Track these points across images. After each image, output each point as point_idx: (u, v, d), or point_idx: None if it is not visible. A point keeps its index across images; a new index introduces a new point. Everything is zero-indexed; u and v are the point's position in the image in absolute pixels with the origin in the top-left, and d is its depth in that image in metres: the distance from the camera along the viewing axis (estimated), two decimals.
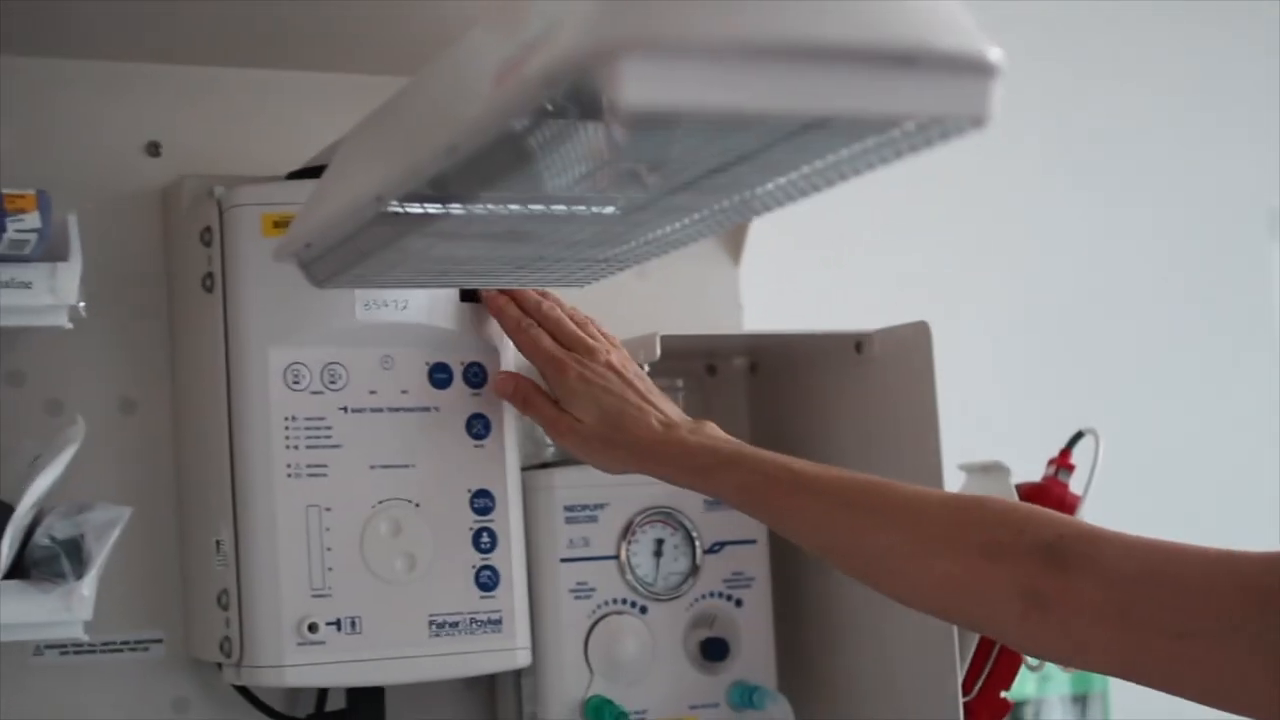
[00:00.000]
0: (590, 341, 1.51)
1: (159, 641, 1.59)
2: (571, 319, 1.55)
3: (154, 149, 1.62)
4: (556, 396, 1.51)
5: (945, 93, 0.93)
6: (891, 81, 0.92)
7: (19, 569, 1.38)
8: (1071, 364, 2.29)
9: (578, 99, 0.93)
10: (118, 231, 1.59)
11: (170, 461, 1.61)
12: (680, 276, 1.82)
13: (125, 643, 1.57)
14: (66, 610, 1.38)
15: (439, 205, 1.10)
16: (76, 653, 1.56)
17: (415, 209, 1.12)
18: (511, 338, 1.54)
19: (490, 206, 1.11)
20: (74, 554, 1.37)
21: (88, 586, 1.36)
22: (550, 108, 0.95)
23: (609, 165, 1.03)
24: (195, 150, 1.63)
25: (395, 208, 1.13)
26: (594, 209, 1.18)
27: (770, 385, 1.82)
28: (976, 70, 0.93)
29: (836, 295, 1.96)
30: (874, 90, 0.92)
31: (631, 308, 1.70)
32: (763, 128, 0.96)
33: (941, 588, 1.32)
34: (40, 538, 1.37)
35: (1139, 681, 1.26)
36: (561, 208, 1.16)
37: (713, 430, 1.48)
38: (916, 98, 0.93)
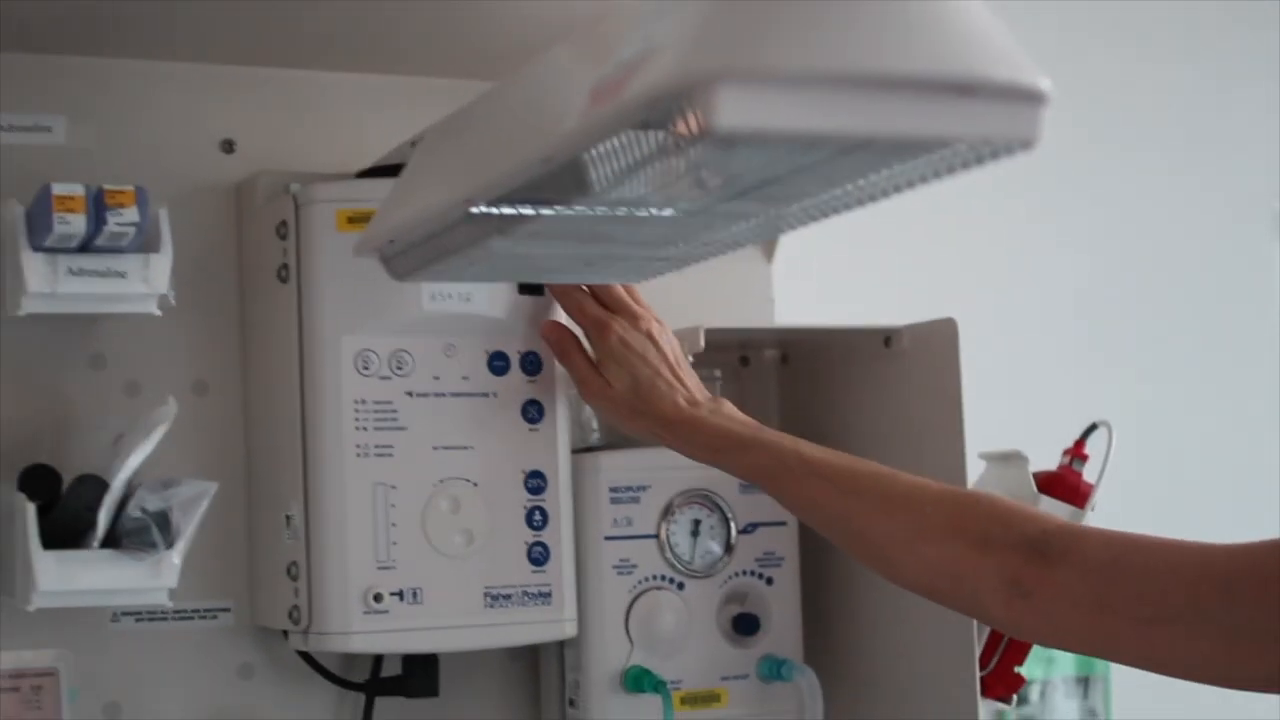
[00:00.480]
0: (635, 307, 1.61)
1: (227, 610, 1.69)
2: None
3: (228, 146, 1.72)
4: (596, 357, 1.60)
5: (1000, 118, 1.04)
6: (952, 107, 1.02)
7: (110, 539, 1.48)
8: (1088, 358, 2.39)
9: (669, 117, 1.03)
10: (192, 223, 1.67)
11: (240, 441, 1.70)
12: (716, 272, 1.88)
13: (196, 611, 1.67)
14: (154, 578, 1.48)
15: (530, 208, 1.20)
16: (151, 619, 1.65)
17: (506, 211, 1.21)
18: (559, 299, 1.63)
19: (573, 210, 1.20)
20: (163, 526, 1.47)
21: (178, 555, 1.46)
22: (644, 125, 1.05)
23: (686, 175, 1.13)
24: (266, 147, 1.72)
25: (484, 210, 1.22)
26: (656, 212, 1.28)
27: (801, 376, 1.92)
28: (1028, 98, 1.03)
29: (866, 290, 2.06)
30: (937, 115, 1.02)
31: (669, 300, 1.78)
32: (830, 145, 1.06)
33: (934, 572, 1.43)
34: (133, 510, 1.46)
35: (1115, 661, 1.38)
36: (628, 210, 1.25)
37: (730, 411, 1.58)
38: (974, 122, 1.03)
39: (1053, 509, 1.76)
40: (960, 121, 1.03)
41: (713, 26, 0.99)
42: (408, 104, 1.73)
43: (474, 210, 1.24)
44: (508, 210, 1.22)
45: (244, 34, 1.65)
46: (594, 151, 1.11)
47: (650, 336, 1.59)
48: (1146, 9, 2.50)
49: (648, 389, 1.56)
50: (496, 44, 1.68)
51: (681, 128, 1.01)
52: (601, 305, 1.60)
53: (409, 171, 1.43)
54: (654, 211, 1.27)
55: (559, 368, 1.66)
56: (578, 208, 1.21)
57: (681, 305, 1.73)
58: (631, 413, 1.57)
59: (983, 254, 2.26)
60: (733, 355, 1.93)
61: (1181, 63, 2.55)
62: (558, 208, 1.21)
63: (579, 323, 1.61)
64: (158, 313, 1.51)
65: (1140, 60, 2.51)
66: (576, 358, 1.61)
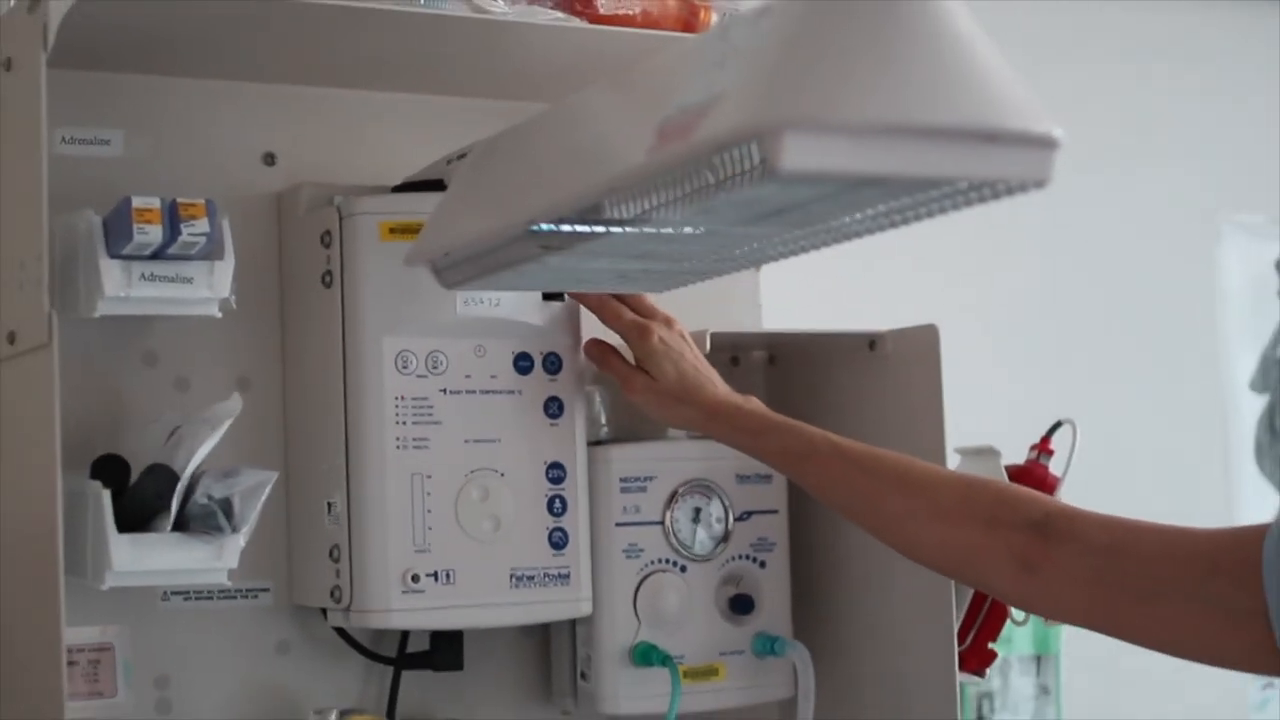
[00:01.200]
0: (664, 313, 1.78)
1: (267, 590, 1.82)
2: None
3: (270, 159, 1.85)
4: (638, 357, 1.77)
5: (1019, 161, 1.19)
6: (980, 151, 1.18)
7: (177, 524, 1.61)
8: (1052, 360, 2.56)
9: (735, 157, 1.17)
10: (236, 231, 1.78)
11: (279, 433, 1.83)
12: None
13: (238, 591, 1.79)
14: (217, 559, 1.61)
15: (590, 228, 1.35)
16: (197, 599, 1.78)
17: (567, 230, 1.36)
18: (595, 311, 1.79)
19: (625, 230, 1.35)
20: (228, 511, 1.60)
21: (244, 538, 1.59)
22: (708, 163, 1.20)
23: (734, 205, 1.28)
24: (305, 160, 1.85)
25: (547, 229, 1.37)
26: (692, 230, 1.42)
27: (788, 377, 2.07)
28: (1044, 144, 1.19)
29: (850, 294, 2.21)
30: (966, 157, 1.18)
31: (662, 303, 1.91)
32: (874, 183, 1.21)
33: (948, 550, 1.61)
34: (199, 496, 1.60)
35: (1115, 636, 1.56)
36: (671, 230, 1.40)
37: (758, 403, 1.75)
38: (997, 164, 1.19)
39: None
40: (986, 164, 1.19)
41: (778, 79, 1.14)
42: (438, 122, 1.87)
43: (535, 229, 1.38)
44: (569, 229, 1.36)
45: (286, 55, 1.78)
46: (658, 181, 1.25)
47: (683, 337, 1.75)
48: (1098, 24, 2.67)
49: (692, 381, 1.73)
50: (527, 68, 1.81)
51: (747, 167, 1.16)
52: (634, 312, 1.76)
53: (459, 187, 1.57)
54: (689, 230, 1.41)
55: (576, 367, 1.80)
56: (630, 228, 1.35)
57: (673, 308, 1.85)
58: (675, 402, 1.74)
59: (958, 263, 2.42)
60: (724, 356, 2.07)
61: (1133, 78, 2.72)
62: (613, 228, 1.35)
63: (617, 328, 1.76)
64: (219, 315, 1.63)
65: (1095, 76, 2.67)
66: (615, 361, 1.78)
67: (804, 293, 2.18)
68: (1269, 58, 2.92)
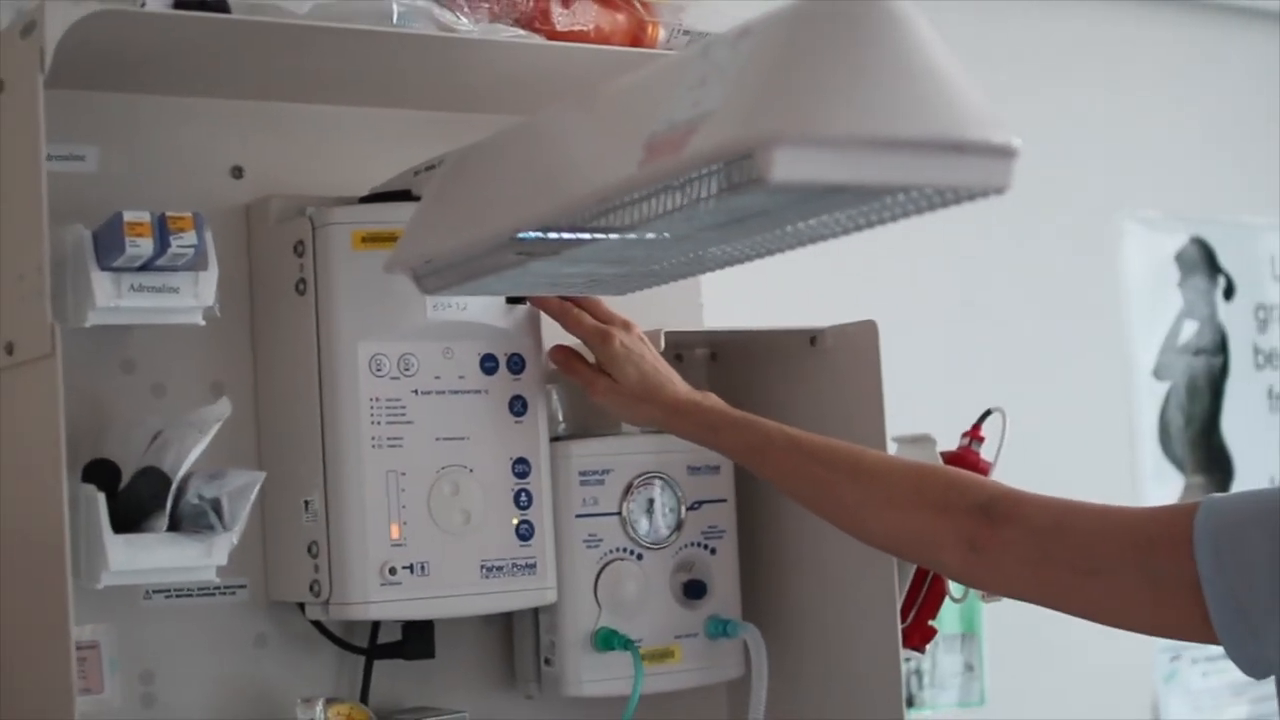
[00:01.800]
0: (621, 317, 1.87)
1: (244, 587, 1.89)
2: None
3: (238, 172, 1.92)
4: (602, 361, 1.87)
5: (982, 168, 1.30)
6: (948, 160, 1.28)
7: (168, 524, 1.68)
8: (982, 351, 2.69)
9: (726, 170, 1.27)
10: None
11: (252, 435, 1.90)
12: None
13: (217, 588, 1.86)
14: (207, 556, 1.68)
15: (577, 235, 1.44)
16: (179, 596, 1.85)
17: (553, 238, 1.45)
18: (557, 318, 1.88)
19: (609, 237, 1.44)
20: (218, 511, 1.67)
21: (236, 535, 1.67)
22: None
23: (716, 212, 1.37)
24: (272, 173, 1.92)
25: (533, 237, 1.46)
26: (662, 235, 1.51)
27: (731, 373, 2.17)
28: (1005, 154, 1.30)
29: (787, 291, 2.31)
30: (936, 166, 1.28)
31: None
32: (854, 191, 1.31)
33: (901, 534, 1.72)
34: (191, 497, 1.67)
35: (1058, 609, 1.68)
36: (651, 236, 1.49)
37: (716, 399, 1.86)
38: (963, 172, 1.29)
39: None
40: (953, 172, 1.29)
41: (766, 96, 1.24)
42: (401, 135, 1.95)
43: (521, 236, 1.47)
44: (556, 237, 1.45)
45: (254, 72, 1.85)
46: (646, 192, 1.35)
47: (641, 339, 1.84)
48: (999, 28, 2.79)
49: (654, 381, 1.83)
50: (489, 82, 1.90)
51: (736, 178, 1.26)
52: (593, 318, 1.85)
53: (435, 197, 1.66)
54: (667, 235, 1.50)
55: (539, 367, 1.89)
56: (614, 235, 1.45)
57: (617, 308, 1.93)
58: (638, 401, 1.84)
59: (890, 262, 2.53)
60: (668, 354, 2.15)
61: (1037, 82, 2.84)
62: (599, 235, 1.45)
63: (579, 334, 1.86)
64: (203, 323, 1.70)
65: (1000, 83, 2.78)
66: (580, 366, 1.87)
67: (743, 291, 2.27)
68: (1166, 59, 3.06)
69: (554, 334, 1.92)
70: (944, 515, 1.69)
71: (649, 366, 1.85)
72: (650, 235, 1.45)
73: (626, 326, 1.87)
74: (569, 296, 1.86)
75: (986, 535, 1.66)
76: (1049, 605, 1.69)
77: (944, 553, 1.70)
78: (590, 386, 1.88)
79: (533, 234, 1.47)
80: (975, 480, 1.74)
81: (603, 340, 1.85)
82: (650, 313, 2.02)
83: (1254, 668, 1.52)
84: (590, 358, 1.90)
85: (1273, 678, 1.51)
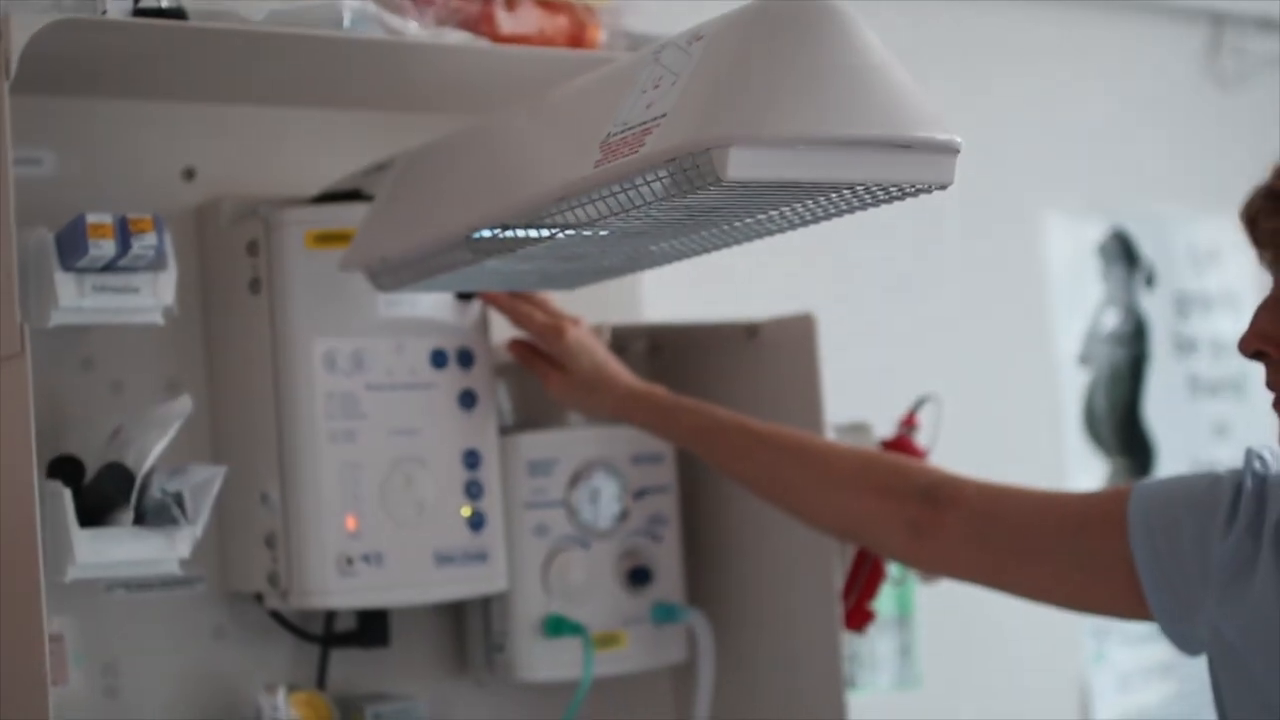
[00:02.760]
0: (570, 315, 1.92)
1: (201, 580, 1.93)
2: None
3: (189, 174, 1.96)
4: (556, 354, 1.92)
5: (927, 165, 1.36)
6: (895, 159, 1.35)
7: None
8: (914, 341, 2.76)
9: (679, 169, 1.33)
10: None
11: (206, 431, 1.94)
12: None
13: (176, 580, 1.90)
14: (171, 549, 1.71)
15: (535, 233, 1.49)
16: (140, 589, 1.89)
17: (508, 236, 1.50)
18: (508, 314, 1.93)
19: (568, 234, 1.50)
20: (180, 505, 1.71)
21: (200, 529, 1.71)
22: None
23: (675, 210, 1.43)
24: (223, 175, 1.96)
25: (491, 235, 1.51)
26: (618, 233, 1.57)
27: (671, 366, 2.22)
28: (949, 152, 1.36)
29: (729, 282, 2.36)
30: (884, 164, 1.35)
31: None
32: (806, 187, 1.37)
33: (846, 516, 1.80)
34: (155, 491, 1.70)
35: (997, 589, 1.75)
36: (604, 233, 1.54)
37: (664, 389, 1.93)
38: (909, 169, 1.36)
39: None
40: (899, 169, 1.36)
41: (719, 99, 1.30)
42: (350, 136, 2.00)
43: (477, 235, 1.52)
44: (511, 235, 1.50)
45: (205, 76, 1.88)
46: (603, 191, 1.40)
47: (589, 333, 1.89)
48: (926, 26, 2.85)
49: (605, 372, 1.89)
50: (436, 84, 1.94)
51: (691, 178, 1.31)
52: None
53: (390, 197, 1.70)
54: (618, 233, 1.55)
55: (487, 361, 1.94)
56: (569, 233, 1.50)
57: (560, 301, 1.99)
58: (590, 391, 1.90)
59: (827, 254, 2.59)
60: (610, 344, 2.22)
61: (961, 77, 2.91)
62: (553, 232, 1.50)
63: (532, 329, 1.91)
64: (162, 322, 1.74)
65: (928, 78, 2.85)
66: (537, 361, 1.93)
67: (682, 284, 2.33)
68: (1088, 53, 3.14)
69: (502, 328, 1.97)
70: (888, 499, 1.77)
71: (600, 358, 1.91)
72: (604, 233, 1.51)
73: (575, 322, 1.92)
74: (518, 293, 1.91)
75: (928, 518, 1.74)
76: (989, 586, 1.77)
77: (888, 536, 1.78)
78: (545, 379, 1.93)
79: (488, 232, 1.52)
80: (918, 466, 1.82)
81: (557, 335, 1.90)
82: (592, 307, 2.07)
83: (1186, 644, 1.60)
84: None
85: (1204, 655, 1.58)
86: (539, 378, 1.95)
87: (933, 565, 1.83)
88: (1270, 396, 1.49)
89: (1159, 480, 1.66)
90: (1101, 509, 1.63)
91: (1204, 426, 3.33)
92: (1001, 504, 1.71)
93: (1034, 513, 1.70)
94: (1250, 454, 1.57)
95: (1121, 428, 3.21)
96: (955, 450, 2.19)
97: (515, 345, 1.96)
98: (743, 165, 1.28)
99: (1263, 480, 1.54)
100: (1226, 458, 3.25)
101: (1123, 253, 3.24)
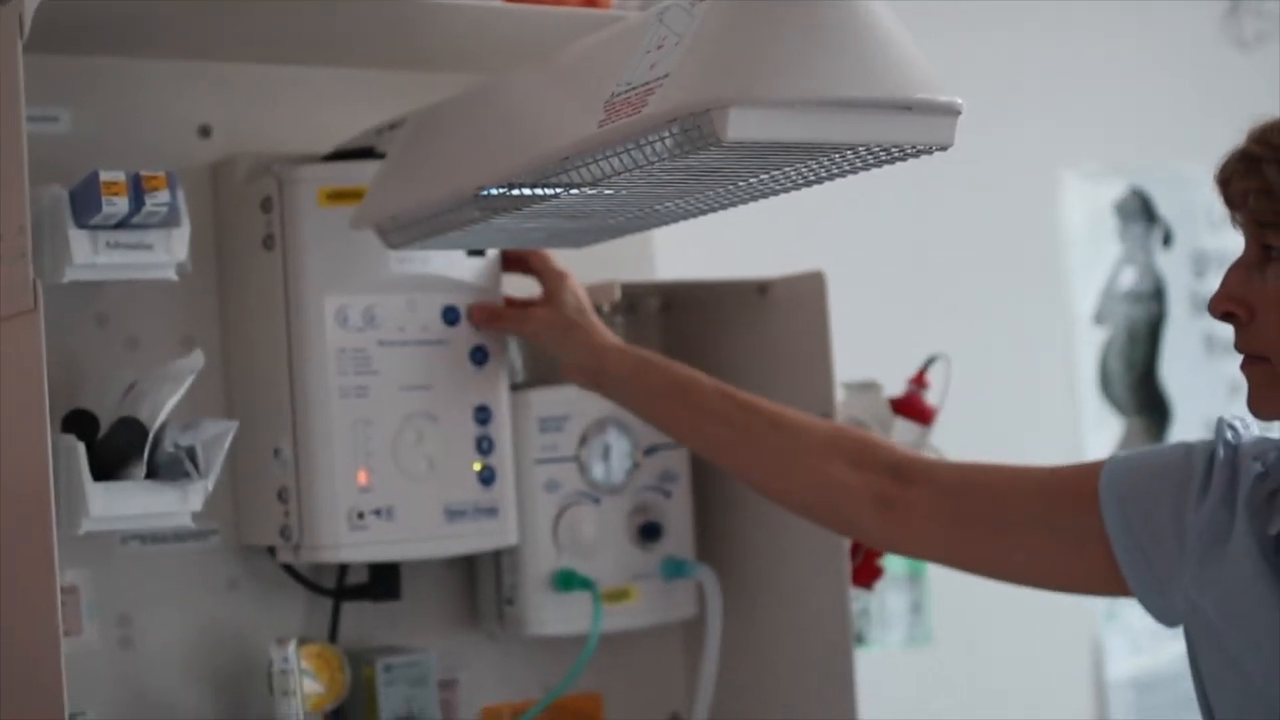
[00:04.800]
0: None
1: (215, 533, 1.96)
2: None
3: (205, 131, 1.97)
4: (558, 295, 1.92)
5: (927, 127, 1.37)
6: (895, 120, 1.36)
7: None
8: (926, 300, 2.77)
9: (681, 130, 1.34)
10: None
11: (219, 386, 1.96)
12: None
13: (190, 533, 1.93)
14: (183, 502, 1.74)
15: (542, 191, 1.50)
16: (155, 542, 1.92)
17: (516, 194, 1.51)
18: (520, 258, 1.94)
19: (573, 193, 1.51)
20: (193, 459, 1.73)
21: (211, 482, 1.73)
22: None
23: (677, 170, 1.44)
24: (238, 133, 1.98)
25: (497, 193, 1.52)
26: (624, 192, 1.57)
27: (682, 322, 2.24)
28: (949, 113, 1.37)
29: (741, 241, 2.37)
30: (884, 125, 1.36)
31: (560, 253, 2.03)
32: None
33: (815, 489, 1.79)
34: (167, 445, 1.73)
35: (973, 570, 1.75)
36: (609, 192, 1.55)
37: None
38: (910, 130, 1.37)
39: (903, 428, 2.12)
40: (900, 130, 1.37)
41: (720, 60, 1.31)
42: (363, 95, 2.01)
43: (485, 193, 1.54)
44: (519, 194, 1.52)
45: (221, 33, 1.90)
46: (606, 151, 1.41)
47: (581, 288, 1.94)
48: None
49: (588, 317, 1.92)
50: (448, 44, 1.95)
51: (694, 138, 1.33)
52: None
53: (401, 155, 1.72)
54: (624, 192, 1.56)
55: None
56: (574, 191, 1.51)
57: (575, 258, 1.99)
58: (570, 330, 1.91)
59: (839, 213, 2.60)
60: (622, 303, 2.23)
61: (979, 36, 2.91)
62: (560, 191, 1.51)
63: (543, 272, 1.92)
64: (176, 278, 1.76)
65: (943, 40, 2.86)
66: (505, 312, 1.94)
67: (694, 243, 2.34)
68: (1105, 11, 3.13)
69: (512, 285, 1.99)
70: (857, 469, 1.75)
71: (586, 306, 1.93)
72: (609, 191, 1.52)
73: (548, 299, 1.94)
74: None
75: (897, 492, 1.72)
76: (963, 566, 1.75)
77: (855, 510, 1.76)
78: (521, 323, 1.93)
79: (496, 190, 1.53)
80: (885, 442, 1.81)
81: (563, 280, 1.92)
82: (604, 265, 2.08)
83: (1164, 616, 1.58)
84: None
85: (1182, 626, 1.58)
86: (513, 325, 1.94)
87: (904, 543, 1.80)
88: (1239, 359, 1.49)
89: (1131, 453, 1.64)
90: (1074, 483, 1.62)
91: (1220, 386, 3.33)
92: (970, 478, 1.70)
93: (1005, 487, 1.69)
94: (1221, 423, 1.56)
95: (1138, 387, 3.22)
96: (967, 410, 2.21)
97: (478, 311, 1.94)
98: (743, 126, 1.29)
99: (1234, 449, 1.53)
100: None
101: (1141, 211, 3.25)
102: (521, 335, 1.97)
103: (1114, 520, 1.58)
